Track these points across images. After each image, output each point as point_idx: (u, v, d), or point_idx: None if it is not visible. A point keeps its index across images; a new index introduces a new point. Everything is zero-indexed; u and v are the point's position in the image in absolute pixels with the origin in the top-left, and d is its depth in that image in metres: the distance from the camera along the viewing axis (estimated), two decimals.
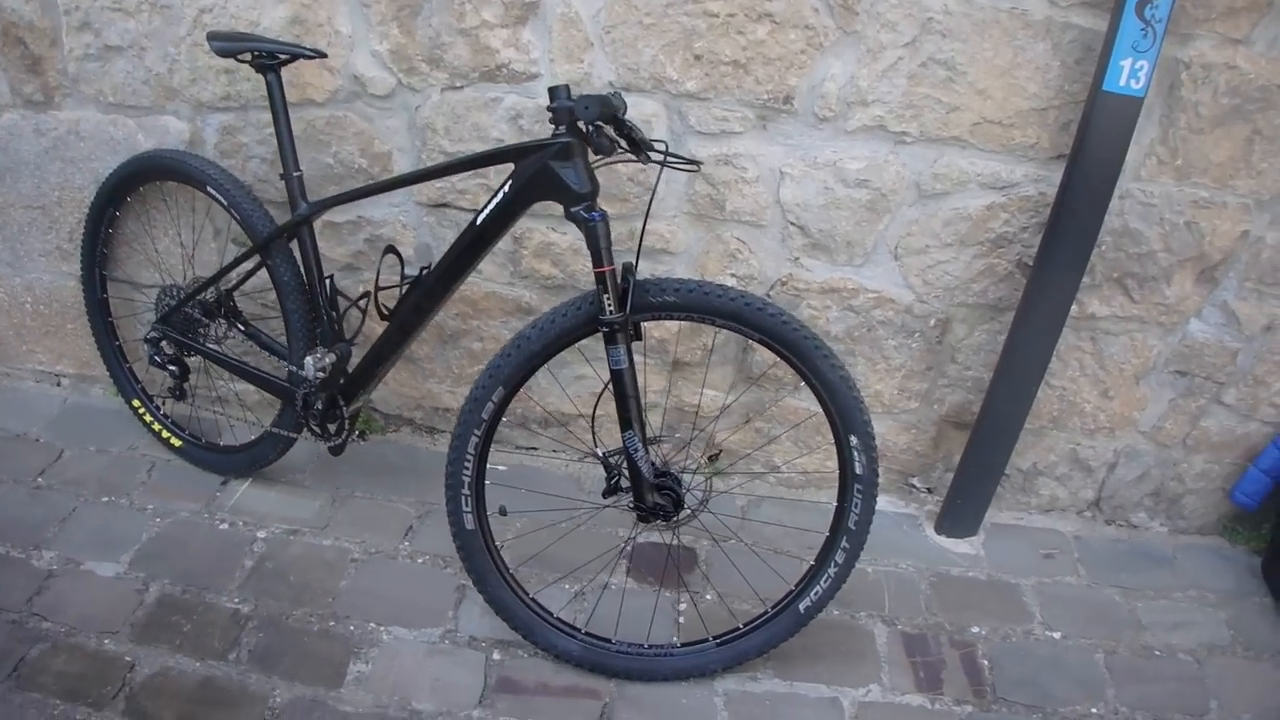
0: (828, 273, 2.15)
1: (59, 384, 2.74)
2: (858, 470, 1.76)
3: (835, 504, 1.83)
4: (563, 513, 2.19)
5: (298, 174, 1.99)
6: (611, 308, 1.62)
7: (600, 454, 1.81)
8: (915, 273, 2.12)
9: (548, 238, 2.21)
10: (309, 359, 1.97)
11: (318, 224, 2.24)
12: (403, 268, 1.90)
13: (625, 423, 1.70)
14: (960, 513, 2.31)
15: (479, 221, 1.74)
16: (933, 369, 2.24)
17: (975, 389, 2.25)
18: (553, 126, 1.62)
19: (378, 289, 1.91)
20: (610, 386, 1.69)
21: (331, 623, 2.00)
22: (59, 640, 1.92)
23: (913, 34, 1.85)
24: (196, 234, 2.34)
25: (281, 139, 1.97)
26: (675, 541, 2.16)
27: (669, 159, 1.65)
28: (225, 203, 2.09)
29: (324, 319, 2.04)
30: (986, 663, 2.00)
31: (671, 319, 1.71)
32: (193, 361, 2.32)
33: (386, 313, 1.93)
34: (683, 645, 1.93)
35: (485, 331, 2.38)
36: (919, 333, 2.19)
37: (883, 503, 2.40)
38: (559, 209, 1.65)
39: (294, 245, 2.03)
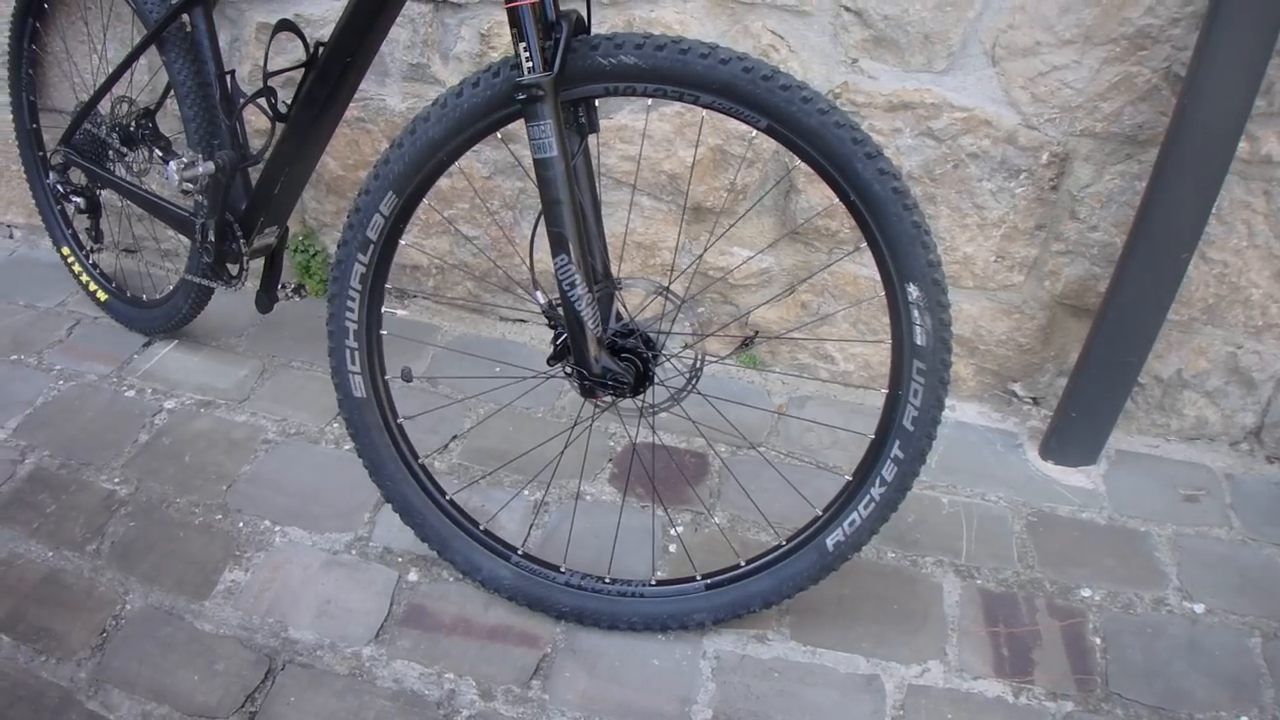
0: (897, 81, 1.54)
1: (10, 236, 2.42)
2: (918, 340, 1.17)
3: (885, 392, 1.25)
4: (510, 390, 1.69)
5: None
6: (531, 64, 1.09)
7: (541, 301, 1.29)
8: (1020, 84, 1.48)
9: None
10: (171, 164, 1.52)
11: (251, 30, 1.81)
12: (306, 47, 1.42)
13: (557, 243, 1.16)
14: (1075, 432, 1.67)
15: None
16: (1044, 228, 1.60)
17: (1103, 259, 1.60)
18: None
19: (267, 83, 1.44)
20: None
21: (218, 516, 1.57)
22: None
23: None
24: (104, 39, 1.92)
25: None
26: (653, 438, 1.62)
27: None
28: None
29: (220, 125, 1.59)
30: (1098, 640, 1.39)
31: (631, 93, 1.15)
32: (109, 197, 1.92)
33: (283, 112, 1.46)
34: (658, 583, 1.40)
35: None
36: (1026, 173, 1.55)
37: (971, 413, 1.80)
38: None
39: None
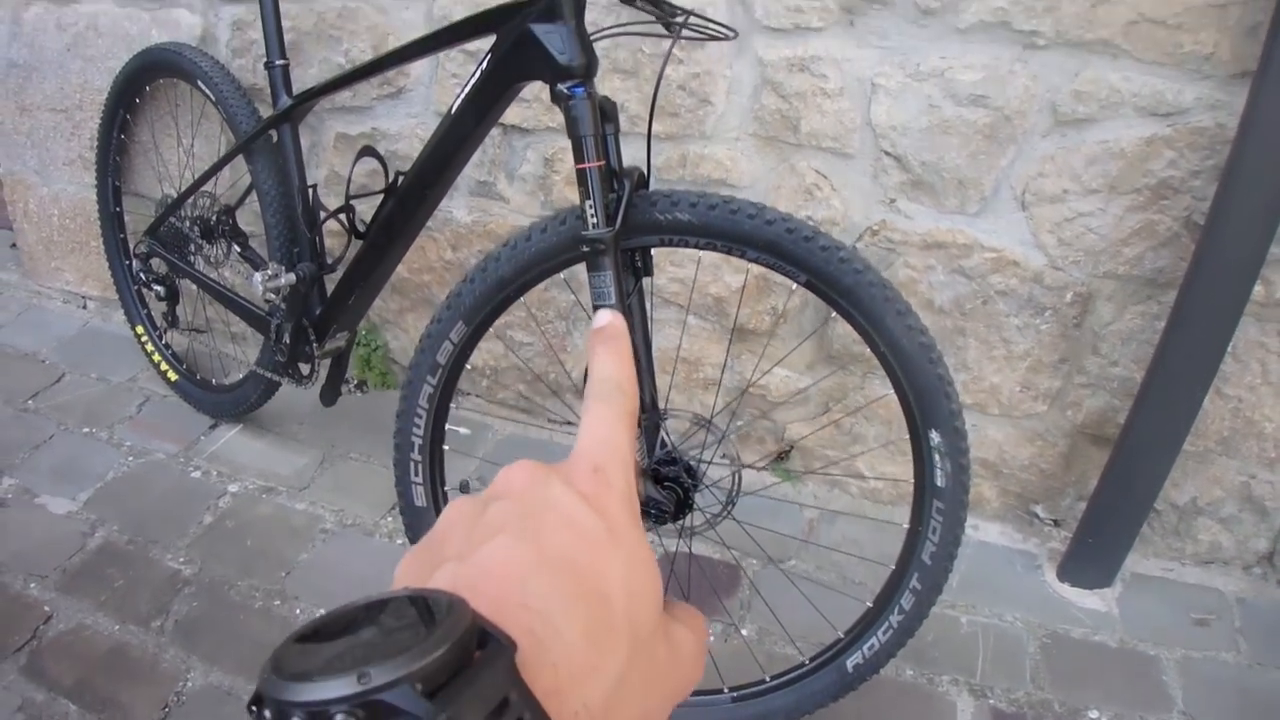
0: (932, 221, 1.64)
1: (85, 306, 2.57)
2: (938, 481, 1.26)
3: (907, 526, 1.34)
4: None
5: (282, 63, 1.67)
6: (595, 220, 1.20)
7: None
8: (1048, 228, 1.58)
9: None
10: (257, 275, 1.64)
11: (330, 138, 1.95)
12: (386, 174, 1.55)
13: None
14: (1092, 555, 1.74)
15: (454, 108, 1.35)
16: (1068, 361, 1.69)
17: (1122, 392, 1.68)
18: None
19: (349, 198, 1.57)
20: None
21: (277, 601, 1.67)
22: None
23: None
24: (193, 136, 2.08)
25: (266, 20, 1.66)
26: (688, 550, 1.70)
27: (689, 24, 1.22)
28: (213, 98, 1.80)
29: (301, 235, 1.71)
30: None
31: (685, 244, 1.27)
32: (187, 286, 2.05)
33: (361, 229, 1.58)
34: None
35: None
36: (1051, 310, 1.64)
37: (994, 533, 1.87)
38: None
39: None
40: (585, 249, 1.20)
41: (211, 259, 1.98)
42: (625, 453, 0.38)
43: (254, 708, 0.27)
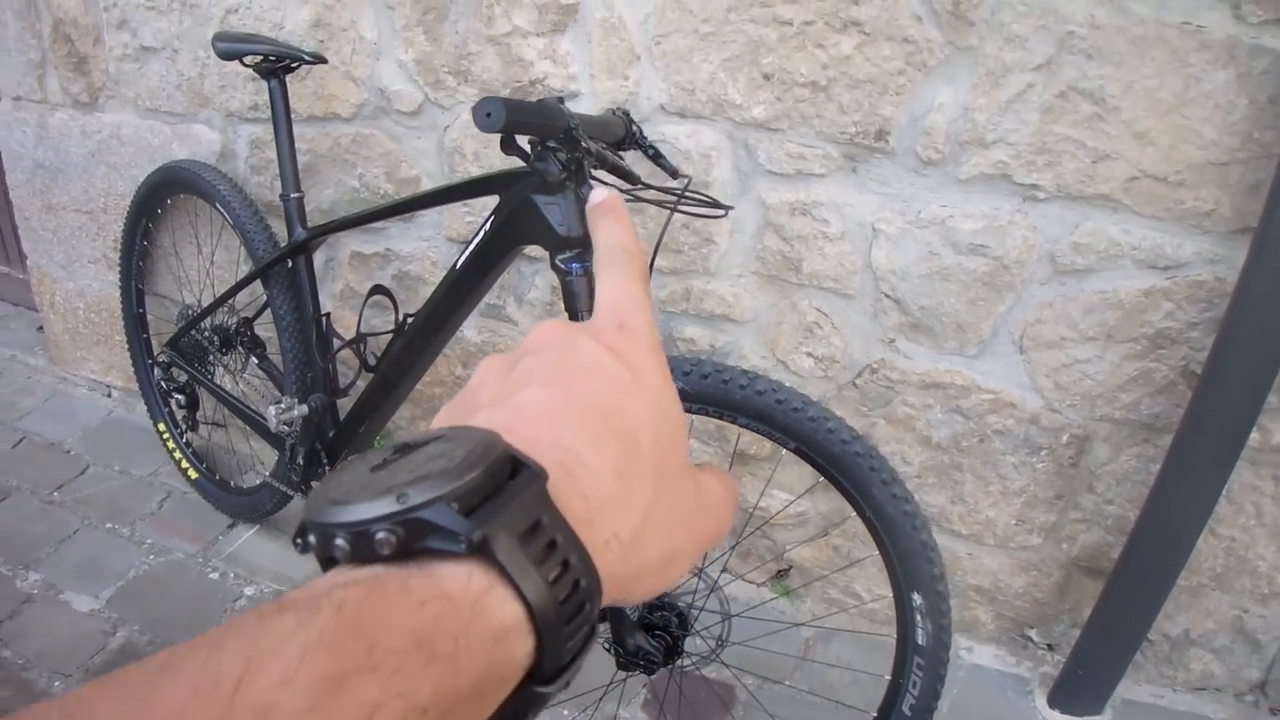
0: (931, 362, 1.67)
1: (109, 395, 2.64)
2: (920, 640, 1.30)
3: (889, 679, 1.37)
4: None
5: (296, 195, 1.73)
6: None
7: None
8: (1045, 372, 1.61)
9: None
10: (271, 408, 1.70)
11: (346, 255, 2.01)
12: (396, 313, 1.60)
13: None
14: (1084, 682, 1.75)
15: (458, 265, 1.40)
16: (1063, 498, 1.70)
17: (1117, 529, 1.69)
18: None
19: (360, 335, 1.62)
20: None
21: None
22: (11, 672, 1.77)
23: (1047, 53, 1.36)
24: (213, 248, 2.14)
25: (282, 154, 1.72)
26: (683, 677, 1.73)
27: (684, 198, 1.26)
28: (231, 222, 1.86)
29: (314, 362, 1.77)
30: None
31: None
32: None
33: (372, 362, 1.64)
34: None
35: None
36: (1047, 450, 1.66)
37: (988, 655, 1.88)
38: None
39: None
40: None
41: (230, 368, 2.04)
42: (646, 307, 0.39)
43: (298, 540, 0.29)
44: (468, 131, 1.78)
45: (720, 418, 1.29)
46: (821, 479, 1.29)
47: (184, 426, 2.22)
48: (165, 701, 0.22)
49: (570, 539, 0.30)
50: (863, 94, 1.50)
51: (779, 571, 1.87)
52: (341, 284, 2.10)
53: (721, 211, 1.30)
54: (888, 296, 1.64)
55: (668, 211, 1.26)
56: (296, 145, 1.88)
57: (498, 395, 0.35)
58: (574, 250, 1.23)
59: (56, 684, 1.75)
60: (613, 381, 0.35)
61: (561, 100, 1.25)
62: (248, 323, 1.99)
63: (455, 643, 0.26)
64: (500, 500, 0.28)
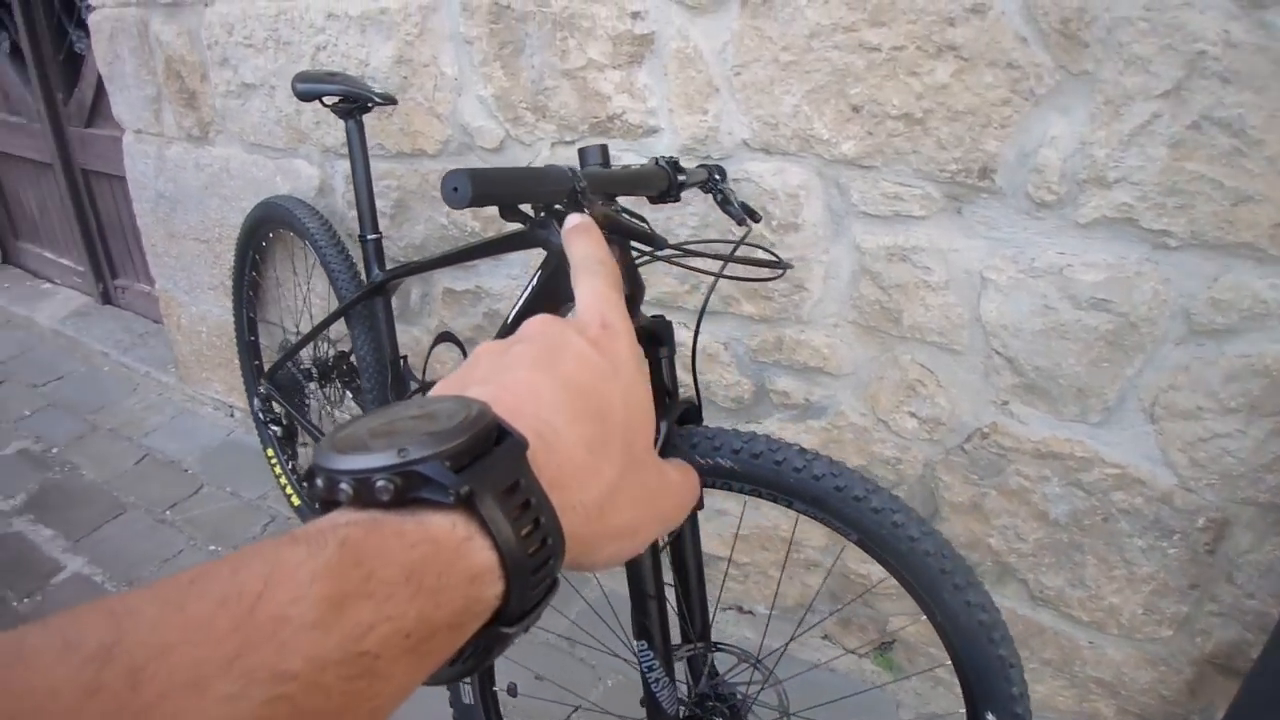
0: (1049, 429, 1.47)
1: (232, 415, 2.73)
2: None
3: None
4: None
5: (374, 237, 1.70)
6: None
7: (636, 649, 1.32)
8: (1179, 446, 1.37)
9: (677, 335, 1.74)
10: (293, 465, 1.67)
11: (439, 291, 1.98)
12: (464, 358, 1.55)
13: (640, 630, 1.20)
14: None
15: (509, 320, 1.33)
16: (1198, 588, 1.46)
17: (1257, 625, 1.43)
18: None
19: (424, 383, 1.58)
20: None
21: None
22: None
23: (1175, 77, 1.15)
24: (308, 282, 2.16)
25: (360, 196, 1.70)
26: None
27: (733, 258, 1.13)
28: (319, 260, 1.86)
29: (390, 400, 1.74)
30: None
31: (727, 489, 1.18)
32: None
33: None
34: None
35: None
36: (1180, 534, 1.43)
37: None
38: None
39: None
40: None
41: (329, 399, 2.05)
42: (622, 307, 0.45)
43: (304, 483, 0.35)
44: None
45: (775, 500, 1.16)
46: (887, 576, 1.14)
47: (287, 454, 2.26)
48: (196, 608, 0.26)
49: (542, 500, 0.34)
50: (963, 127, 1.33)
51: (882, 644, 1.70)
52: (435, 320, 2.07)
53: (778, 272, 1.16)
54: (999, 354, 1.45)
55: (716, 269, 1.14)
56: (387, 182, 1.87)
57: (490, 373, 0.39)
58: None
59: None
60: (593, 370, 0.40)
61: (605, 150, 1.16)
62: (344, 356, 1.99)
63: (438, 579, 0.30)
64: (486, 462, 0.32)
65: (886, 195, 1.44)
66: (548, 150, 1.70)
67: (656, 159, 1.14)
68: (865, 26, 1.34)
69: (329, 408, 2.07)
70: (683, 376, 1.23)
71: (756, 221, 1.51)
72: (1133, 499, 1.43)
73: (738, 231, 1.24)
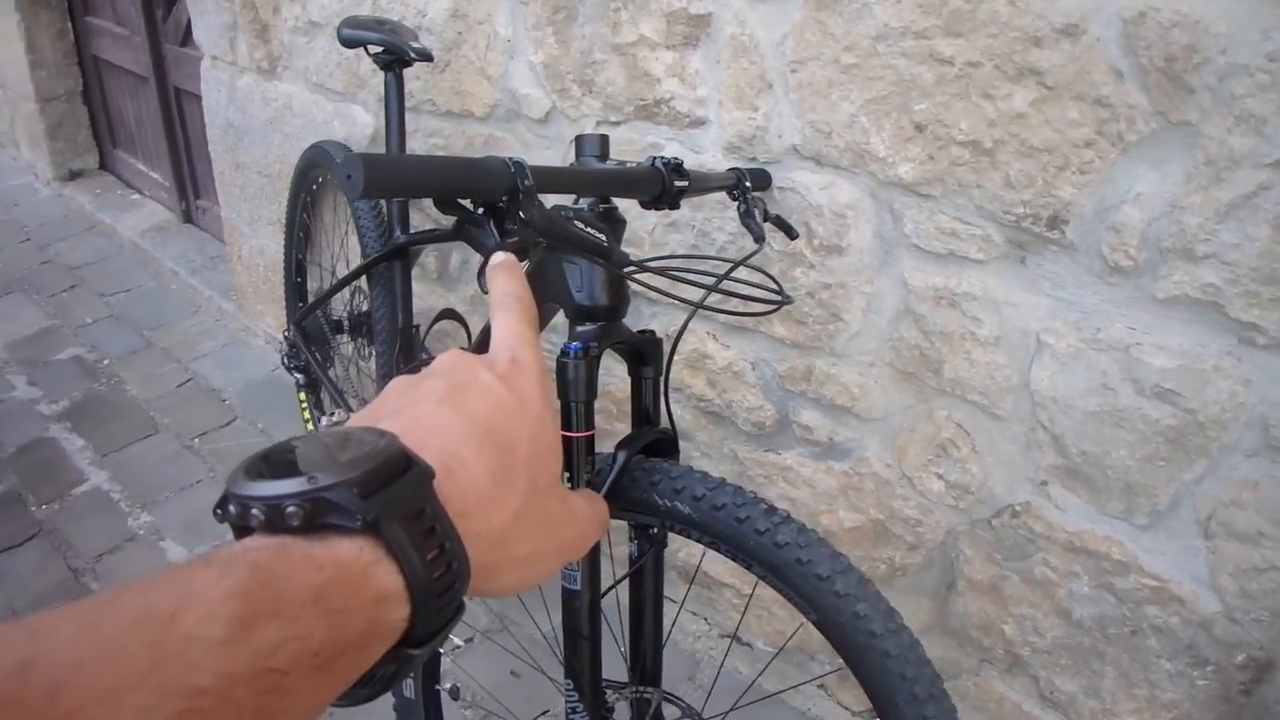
0: (1087, 521, 1.28)
1: (279, 351, 2.72)
2: None
3: None
4: None
5: (400, 199, 1.62)
6: (569, 485, 1.02)
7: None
8: (1231, 570, 1.17)
9: (703, 347, 1.61)
10: (323, 420, 1.61)
11: (477, 259, 1.89)
12: (469, 339, 1.46)
13: (570, 670, 1.09)
14: None
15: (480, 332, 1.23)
16: None
17: None
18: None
19: (422, 360, 1.50)
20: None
21: None
22: None
23: None
24: (345, 237, 2.11)
25: (390, 152, 1.62)
26: None
27: (718, 289, 1.00)
28: (350, 211, 1.80)
29: (393, 374, 1.67)
30: None
31: (686, 536, 1.05)
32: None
33: None
34: None
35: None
36: (1214, 666, 1.22)
37: None
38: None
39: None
40: None
41: (355, 352, 2.00)
42: (534, 344, 0.46)
43: (219, 510, 0.33)
44: None
45: (734, 559, 1.03)
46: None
47: (314, 400, 2.23)
48: (111, 627, 0.27)
49: (447, 527, 0.35)
50: (1037, 165, 1.15)
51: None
52: (473, 289, 1.99)
53: (771, 307, 1.02)
54: (1044, 428, 1.27)
55: (702, 292, 1.01)
56: (434, 140, 1.79)
57: (400, 407, 0.41)
58: (593, 323, 1.01)
59: None
60: (499, 404, 0.41)
61: (604, 141, 1.04)
62: (368, 315, 1.94)
63: (345, 601, 0.31)
64: (393, 489, 0.33)
65: (942, 230, 1.27)
66: (592, 128, 1.59)
67: (654, 159, 1.01)
68: (939, 35, 1.17)
69: (359, 360, 2.02)
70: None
71: (792, 238, 1.38)
72: (1168, 617, 1.24)
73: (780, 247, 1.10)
